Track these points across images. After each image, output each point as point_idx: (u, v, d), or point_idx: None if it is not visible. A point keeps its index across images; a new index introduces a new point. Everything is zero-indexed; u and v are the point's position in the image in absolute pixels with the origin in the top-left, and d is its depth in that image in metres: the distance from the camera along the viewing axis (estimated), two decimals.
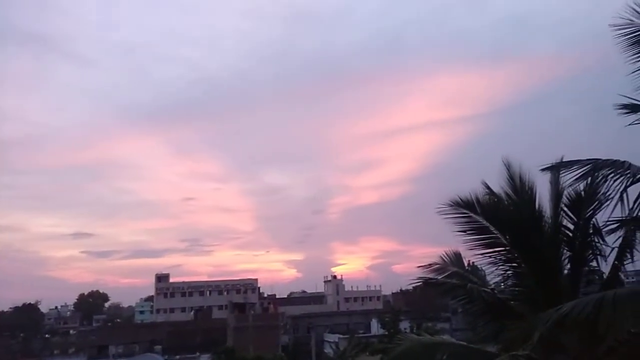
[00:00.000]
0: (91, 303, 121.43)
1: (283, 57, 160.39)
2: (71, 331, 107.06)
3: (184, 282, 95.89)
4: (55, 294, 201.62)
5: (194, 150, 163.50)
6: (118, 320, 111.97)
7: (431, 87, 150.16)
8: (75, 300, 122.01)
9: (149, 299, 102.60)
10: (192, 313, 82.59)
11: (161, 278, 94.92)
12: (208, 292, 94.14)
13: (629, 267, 7.90)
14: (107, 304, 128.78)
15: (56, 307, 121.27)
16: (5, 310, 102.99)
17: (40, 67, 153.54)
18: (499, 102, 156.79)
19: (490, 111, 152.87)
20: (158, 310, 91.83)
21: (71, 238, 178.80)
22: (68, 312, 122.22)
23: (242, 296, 79.82)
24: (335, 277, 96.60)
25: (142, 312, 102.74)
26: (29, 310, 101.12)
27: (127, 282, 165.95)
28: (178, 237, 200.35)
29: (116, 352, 62.01)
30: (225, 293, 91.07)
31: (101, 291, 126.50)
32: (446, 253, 9.22)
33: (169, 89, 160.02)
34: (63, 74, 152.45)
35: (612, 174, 6.13)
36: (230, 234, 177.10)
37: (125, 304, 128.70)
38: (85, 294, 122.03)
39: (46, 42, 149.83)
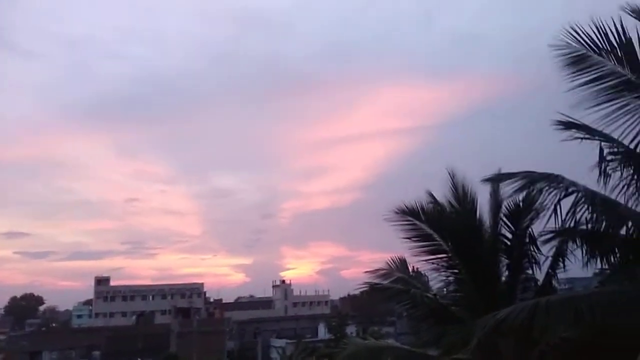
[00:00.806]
0: (24, 306, 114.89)
1: (234, 59, 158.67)
2: (1, 337, 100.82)
3: (125, 286, 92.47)
4: None
5: (139, 150, 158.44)
6: (54, 324, 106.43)
7: (380, 97, 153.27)
8: (7, 304, 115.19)
9: (88, 302, 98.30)
10: (133, 318, 79.74)
11: (101, 281, 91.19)
12: (151, 297, 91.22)
13: (562, 275, 8.38)
14: (42, 308, 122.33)
15: None
16: None
17: None
18: (445, 115, 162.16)
19: (436, 123, 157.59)
20: (97, 315, 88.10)
21: (4, 238, 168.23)
22: None
23: (187, 301, 78.02)
24: (283, 281, 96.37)
25: (79, 317, 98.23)
26: None
27: (64, 285, 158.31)
28: (120, 239, 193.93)
29: (50, 358, 58.97)
30: (169, 297, 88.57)
31: (36, 294, 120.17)
32: (392, 259, 9.45)
33: (115, 87, 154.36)
34: (1, 67, 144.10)
35: (547, 187, 6.46)
36: (176, 237, 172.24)
37: (62, 308, 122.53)
38: (18, 297, 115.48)
39: None
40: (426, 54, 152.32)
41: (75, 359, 55.78)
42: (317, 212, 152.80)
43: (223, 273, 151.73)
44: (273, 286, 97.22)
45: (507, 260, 8.41)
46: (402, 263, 9.40)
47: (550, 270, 8.20)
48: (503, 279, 8.43)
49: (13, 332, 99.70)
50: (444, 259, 8.51)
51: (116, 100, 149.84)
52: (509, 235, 8.38)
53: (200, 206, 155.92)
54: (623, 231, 6.40)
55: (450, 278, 8.66)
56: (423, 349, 8.95)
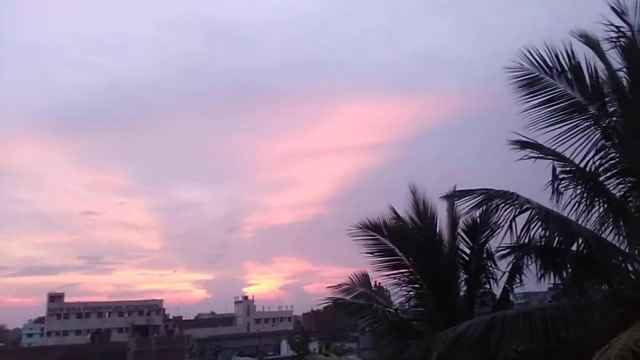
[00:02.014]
0: None
1: (199, 70, 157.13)
2: None
3: (80, 303, 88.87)
4: None
5: (98, 160, 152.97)
6: (1, 344, 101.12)
7: (346, 113, 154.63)
8: None
9: (40, 320, 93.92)
10: (88, 336, 76.66)
11: (54, 297, 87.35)
12: (107, 314, 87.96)
13: (518, 289, 8.63)
14: None
15: None
16: None
17: None
18: (408, 132, 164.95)
19: (400, 140, 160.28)
20: (49, 333, 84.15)
21: None
22: None
23: (145, 318, 75.73)
24: (246, 297, 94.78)
25: (30, 335, 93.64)
26: None
27: (15, 302, 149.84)
28: (76, 254, 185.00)
29: None
30: (126, 315, 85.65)
31: None
32: (355, 274, 9.48)
33: (73, 95, 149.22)
34: None
35: (503, 204, 6.68)
36: (135, 251, 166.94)
37: (11, 326, 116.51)
38: None
39: None
40: (391, 70, 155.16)
41: None
42: (281, 227, 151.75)
43: (183, 289, 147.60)
44: (235, 302, 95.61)
45: (465, 275, 8.60)
46: (365, 278, 9.45)
47: (506, 285, 8.42)
48: (462, 293, 8.60)
49: None
50: (406, 273, 8.63)
51: (75, 109, 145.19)
52: (467, 251, 8.59)
53: (161, 220, 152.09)
54: (574, 247, 6.66)
55: (412, 293, 8.78)
56: None
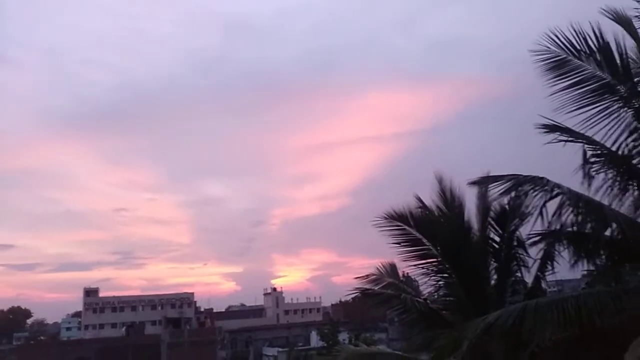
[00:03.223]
0: (11, 320, 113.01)
1: (220, 67, 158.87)
2: None
3: (114, 297, 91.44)
4: None
5: (126, 159, 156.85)
6: (42, 337, 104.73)
7: (368, 103, 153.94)
8: None
9: (77, 314, 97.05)
10: (123, 329, 78.79)
11: (90, 292, 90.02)
12: (141, 307, 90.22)
13: (551, 277, 8.46)
14: (29, 321, 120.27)
15: None
16: None
17: None
18: (431, 119, 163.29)
19: (423, 128, 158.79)
20: (86, 327, 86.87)
21: None
22: None
23: (177, 311, 77.28)
24: (275, 289, 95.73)
25: (68, 329, 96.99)
26: None
27: (52, 297, 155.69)
28: (109, 250, 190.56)
29: None
30: (159, 308, 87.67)
31: (23, 307, 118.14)
32: (382, 264, 9.45)
33: (102, 96, 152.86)
34: None
35: (533, 190, 6.53)
36: (165, 246, 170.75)
37: (50, 321, 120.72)
38: (5, 310, 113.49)
39: None
40: (410, 59, 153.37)
41: None
42: (307, 219, 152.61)
43: (213, 282, 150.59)
44: (264, 294, 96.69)
45: (495, 264, 8.47)
46: (393, 268, 9.41)
47: (538, 273, 8.26)
48: (492, 282, 8.48)
49: (1, 345, 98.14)
50: (434, 263, 8.55)
51: (103, 109, 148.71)
52: (497, 239, 8.44)
53: (189, 214, 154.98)
54: (608, 232, 6.48)
55: (440, 282, 8.69)
56: (414, 354, 8.98)
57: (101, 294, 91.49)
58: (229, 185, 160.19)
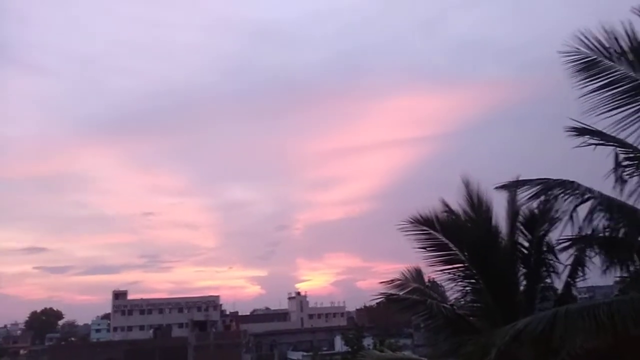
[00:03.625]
0: (44, 321, 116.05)
1: (245, 72, 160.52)
2: (22, 351, 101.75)
3: (142, 300, 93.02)
4: (5, 312, 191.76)
5: (153, 163, 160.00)
6: (72, 339, 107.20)
7: (391, 107, 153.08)
8: (27, 318, 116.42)
9: (106, 316, 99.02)
10: (151, 331, 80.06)
11: (119, 295, 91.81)
12: (168, 310, 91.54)
13: (581, 283, 8.25)
14: (61, 322, 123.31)
15: (5, 326, 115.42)
16: None
17: None
18: (457, 123, 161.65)
19: (447, 131, 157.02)
20: (115, 329, 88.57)
21: (23, 253, 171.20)
22: (18, 331, 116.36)
23: (203, 314, 78.11)
24: (299, 293, 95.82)
25: (98, 331, 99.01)
26: None
27: (82, 299, 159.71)
28: (136, 253, 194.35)
29: None
30: (185, 311, 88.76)
31: (55, 308, 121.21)
32: (407, 269, 9.35)
33: (127, 101, 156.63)
34: (16, 83, 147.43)
35: (563, 194, 6.40)
36: (191, 250, 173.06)
37: (80, 322, 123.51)
38: (38, 311, 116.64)
39: None
40: (433, 61, 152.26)
41: None
42: (330, 223, 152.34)
43: (238, 285, 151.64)
44: (288, 298, 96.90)
45: (524, 269, 8.29)
46: (418, 273, 9.30)
47: (569, 279, 8.07)
48: (521, 288, 8.31)
49: (34, 346, 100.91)
50: (460, 268, 8.42)
51: (129, 114, 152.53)
52: (526, 244, 8.28)
53: (215, 219, 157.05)
54: None
55: (467, 288, 8.55)
56: None
57: (130, 297, 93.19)
58: (253, 190, 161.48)
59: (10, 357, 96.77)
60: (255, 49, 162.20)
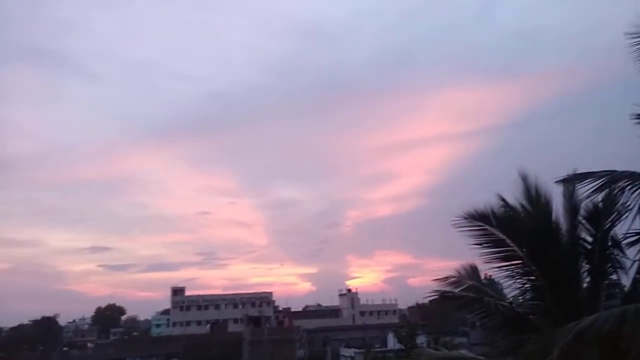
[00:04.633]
0: (108, 316, 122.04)
1: (293, 71, 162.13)
2: (89, 344, 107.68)
3: (199, 296, 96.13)
4: (73, 308, 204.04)
5: (207, 165, 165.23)
6: (135, 333, 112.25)
7: (442, 100, 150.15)
8: (93, 314, 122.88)
9: (165, 312, 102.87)
10: (208, 326, 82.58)
11: (177, 291, 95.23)
12: (223, 306, 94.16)
13: None
14: (124, 317, 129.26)
15: (74, 321, 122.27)
16: (24, 323, 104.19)
17: (51, 83, 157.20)
18: (512, 115, 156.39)
19: (503, 124, 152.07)
20: (174, 324, 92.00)
21: (88, 252, 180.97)
22: (86, 325, 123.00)
23: (257, 309, 79.70)
24: (350, 290, 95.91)
25: (158, 326, 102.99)
26: (47, 324, 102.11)
27: (143, 296, 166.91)
28: (193, 251, 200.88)
29: None
30: (240, 306, 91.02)
31: (118, 304, 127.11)
32: (462, 266, 9.13)
33: (180, 105, 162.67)
34: (74, 90, 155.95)
35: (630, 186, 6.05)
36: (245, 247, 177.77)
37: (141, 317, 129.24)
38: (103, 307, 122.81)
39: (57, 58, 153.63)
40: (485, 52, 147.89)
41: None
42: (380, 220, 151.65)
43: (290, 282, 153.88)
44: (339, 295, 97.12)
45: (588, 266, 7.91)
46: (473, 270, 9.06)
47: (637, 275, 7.63)
48: (584, 285, 7.94)
49: (99, 340, 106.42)
50: (519, 265, 8.12)
51: (183, 117, 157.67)
52: (589, 239, 7.88)
53: (266, 217, 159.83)
54: None
55: (527, 285, 8.24)
56: None
57: (187, 293, 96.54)
58: (303, 188, 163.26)
59: (79, 349, 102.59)
60: (303, 48, 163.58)
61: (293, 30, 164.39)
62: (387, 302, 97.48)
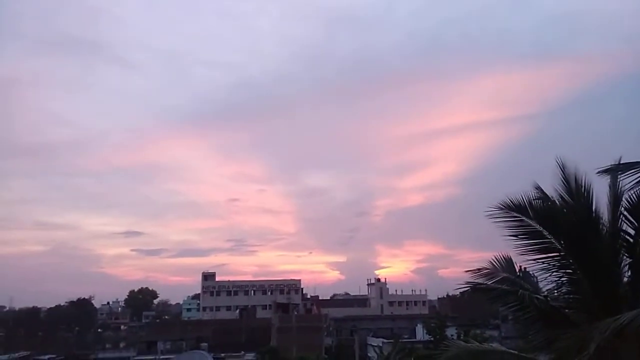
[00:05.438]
0: (141, 299, 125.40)
1: (324, 59, 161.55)
2: (122, 326, 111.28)
3: (229, 281, 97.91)
4: (108, 290, 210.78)
5: (237, 152, 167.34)
6: (166, 317, 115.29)
7: (474, 87, 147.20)
8: (126, 297, 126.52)
9: (196, 296, 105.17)
10: (237, 312, 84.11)
11: (207, 277, 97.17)
12: (252, 292, 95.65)
13: None
14: (156, 301, 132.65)
15: (108, 303, 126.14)
16: (61, 304, 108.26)
17: (88, 72, 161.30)
18: (548, 102, 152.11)
19: (539, 111, 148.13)
20: (204, 308, 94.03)
21: (122, 237, 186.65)
22: (119, 308, 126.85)
23: (285, 296, 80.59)
24: (379, 280, 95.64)
25: (189, 310, 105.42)
26: (83, 305, 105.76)
27: (175, 280, 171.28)
28: (224, 237, 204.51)
29: (164, 348, 63.86)
30: (269, 293, 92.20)
31: (150, 288, 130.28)
32: (496, 258, 8.93)
33: (212, 93, 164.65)
34: (110, 79, 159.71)
35: None
36: (274, 235, 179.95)
37: (173, 301, 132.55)
38: (136, 290, 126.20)
39: (93, 48, 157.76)
40: (523, 36, 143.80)
41: (185, 350, 59.86)
42: (411, 209, 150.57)
43: (319, 270, 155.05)
44: (368, 284, 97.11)
45: (629, 259, 7.63)
46: (508, 262, 8.85)
47: None
48: (625, 279, 7.67)
49: (132, 322, 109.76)
50: (556, 257, 7.89)
51: (214, 105, 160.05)
52: (631, 232, 7.60)
53: (296, 205, 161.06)
54: None
55: (563, 279, 8.01)
56: (532, 354, 8.42)
57: (217, 279, 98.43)
58: (333, 176, 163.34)
59: (112, 331, 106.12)
60: (332, 35, 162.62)
61: (322, 17, 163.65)
62: (417, 292, 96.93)
